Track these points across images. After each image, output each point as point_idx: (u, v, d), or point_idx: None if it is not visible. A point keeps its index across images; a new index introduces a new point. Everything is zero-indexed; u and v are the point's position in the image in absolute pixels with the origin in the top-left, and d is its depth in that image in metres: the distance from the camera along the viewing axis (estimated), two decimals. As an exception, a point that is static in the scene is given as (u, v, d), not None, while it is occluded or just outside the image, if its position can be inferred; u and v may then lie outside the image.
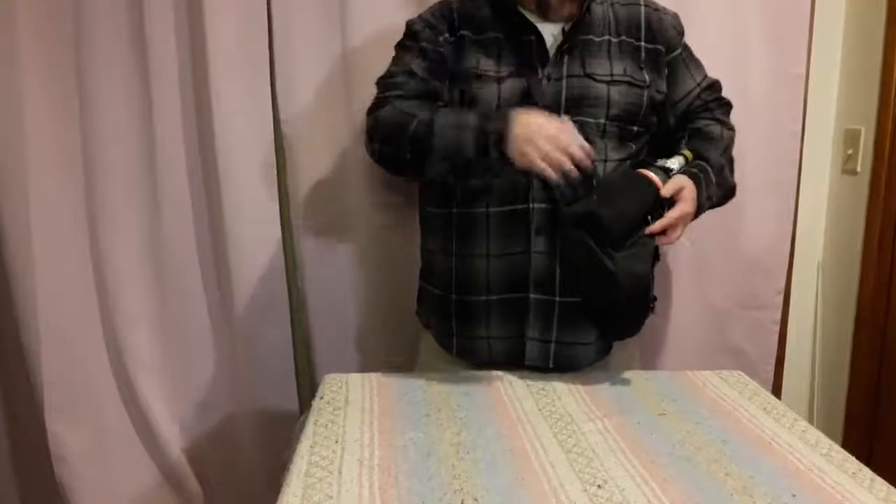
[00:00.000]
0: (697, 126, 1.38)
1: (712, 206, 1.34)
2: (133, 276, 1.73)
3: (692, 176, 1.27)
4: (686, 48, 1.38)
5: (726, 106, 1.43)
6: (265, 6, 1.65)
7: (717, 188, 1.31)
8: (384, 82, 1.32)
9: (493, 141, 1.15)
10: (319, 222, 1.76)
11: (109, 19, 1.62)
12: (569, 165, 1.13)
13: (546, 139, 1.13)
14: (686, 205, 1.23)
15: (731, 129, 1.41)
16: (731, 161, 1.39)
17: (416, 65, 1.29)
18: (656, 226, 1.21)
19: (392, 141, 1.25)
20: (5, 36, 1.55)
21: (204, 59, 1.63)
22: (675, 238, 1.24)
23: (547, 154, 1.13)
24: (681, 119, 1.38)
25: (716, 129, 1.37)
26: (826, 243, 1.98)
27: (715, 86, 1.41)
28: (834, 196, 1.94)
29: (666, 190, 1.23)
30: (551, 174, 1.13)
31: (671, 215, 1.22)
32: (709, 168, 1.30)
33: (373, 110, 1.29)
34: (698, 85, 1.37)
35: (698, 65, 1.40)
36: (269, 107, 1.70)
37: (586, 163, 1.15)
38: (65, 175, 1.66)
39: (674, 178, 1.26)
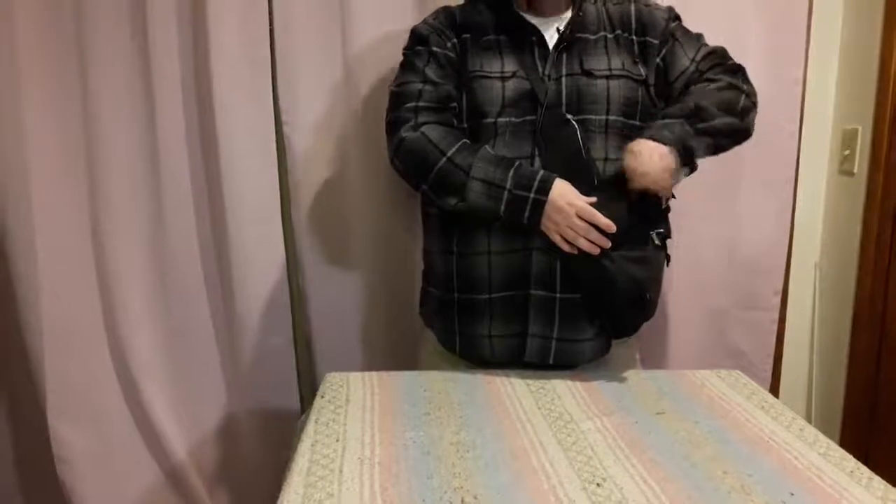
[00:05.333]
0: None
1: (720, 148, 1.29)
2: (136, 277, 1.74)
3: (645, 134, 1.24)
4: (680, 28, 1.37)
5: (731, 69, 1.35)
6: (267, 8, 1.65)
7: (701, 128, 1.24)
8: (401, 90, 1.33)
9: (529, 209, 1.22)
10: (321, 223, 1.77)
11: (111, 20, 1.63)
12: (585, 245, 1.22)
13: (573, 224, 1.21)
14: (630, 157, 1.21)
15: (733, 87, 1.31)
16: (722, 103, 1.28)
17: (431, 70, 1.31)
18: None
19: (416, 170, 1.29)
20: (5, 37, 1.55)
21: (206, 60, 1.64)
22: (640, 184, 1.22)
23: (566, 231, 1.22)
24: (681, 95, 1.33)
25: (702, 84, 1.32)
26: (823, 243, 1.98)
27: (715, 53, 1.36)
28: (831, 196, 1.95)
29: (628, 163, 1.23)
30: (569, 248, 1.23)
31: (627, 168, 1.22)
32: (672, 118, 1.25)
33: (396, 125, 1.30)
34: (693, 60, 1.34)
35: (695, 41, 1.36)
36: (270, 108, 1.71)
37: (605, 243, 1.22)
38: (68, 177, 1.67)
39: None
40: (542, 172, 1.23)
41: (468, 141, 1.28)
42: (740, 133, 1.32)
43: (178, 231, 1.73)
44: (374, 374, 1.33)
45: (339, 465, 0.99)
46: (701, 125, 1.26)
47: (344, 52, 1.68)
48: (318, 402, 1.21)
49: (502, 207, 1.23)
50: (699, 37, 1.39)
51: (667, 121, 1.26)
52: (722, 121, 1.27)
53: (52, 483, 1.73)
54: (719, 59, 1.37)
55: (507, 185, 1.22)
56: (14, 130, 1.58)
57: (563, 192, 1.22)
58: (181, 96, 1.68)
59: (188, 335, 1.79)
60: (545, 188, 1.22)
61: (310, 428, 1.11)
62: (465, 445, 1.05)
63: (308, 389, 1.87)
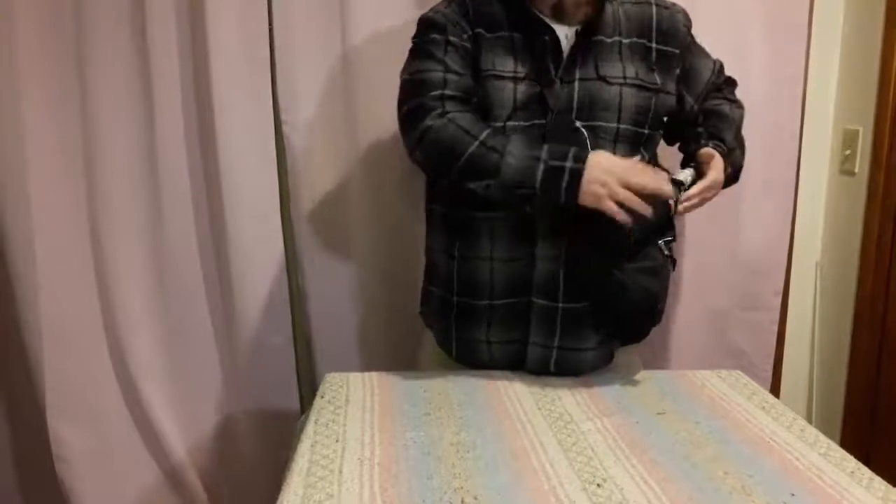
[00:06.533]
0: (709, 107, 1.39)
1: (724, 186, 1.33)
2: (135, 277, 1.74)
3: (719, 149, 1.30)
4: (693, 39, 1.38)
5: (732, 83, 1.46)
6: (266, 7, 1.65)
7: (730, 169, 1.33)
8: (420, 78, 1.25)
9: (567, 179, 1.15)
10: (320, 223, 1.77)
11: (110, 19, 1.62)
12: (639, 204, 1.13)
13: (619, 180, 1.13)
14: (717, 173, 1.26)
15: (741, 106, 1.43)
16: (742, 143, 1.40)
17: (451, 59, 1.24)
18: (694, 190, 1.24)
19: (444, 158, 1.21)
20: (5, 36, 1.55)
21: (205, 60, 1.64)
22: (700, 204, 1.27)
23: (618, 194, 1.13)
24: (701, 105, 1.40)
25: (726, 107, 1.39)
26: (824, 244, 1.98)
27: (721, 66, 1.45)
28: (832, 196, 1.95)
29: (703, 156, 1.27)
30: (624, 217, 1.14)
31: (704, 183, 1.24)
32: (725, 149, 1.32)
33: (418, 113, 1.22)
34: (712, 71, 1.40)
35: (704, 51, 1.41)
36: (270, 108, 1.70)
37: (666, 193, 1.15)
38: (66, 177, 1.66)
39: (704, 149, 1.28)
40: (574, 147, 1.18)
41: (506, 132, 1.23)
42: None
43: (176, 230, 1.73)
44: (373, 374, 1.33)
45: (338, 465, 0.98)
46: (734, 175, 1.37)
47: (343, 50, 1.68)
48: (317, 403, 1.20)
49: (538, 182, 1.15)
50: (704, 48, 1.43)
51: (735, 150, 1.34)
52: (741, 165, 1.39)
53: (51, 482, 1.73)
54: (724, 73, 1.45)
55: (543, 157, 1.16)
56: (13, 130, 1.58)
57: (600, 161, 1.15)
58: (180, 95, 1.68)
59: (187, 334, 1.79)
60: (581, 156, 1.16)
61: (309, 428, 1.10)
62: (466, 446, 1.04)
63: (308, 389, 1.87)
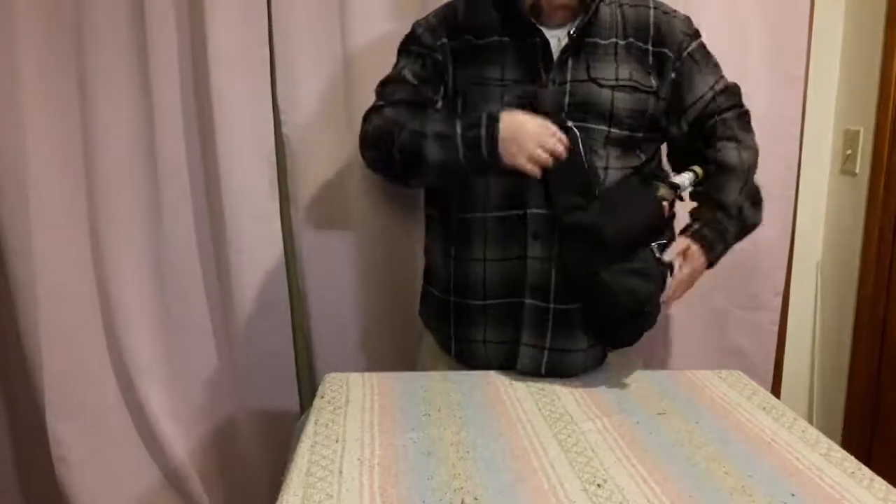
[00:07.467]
0: (714, 155, 1.30)
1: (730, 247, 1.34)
2: (134, 277, 1.74)
3: (701, 238, 1.28)
4: (700, 50, 1.32)
5: (744, 116, 1.34)
6: (266, 7, 1.65)
7: (734, 235, 1.32)
8: (378, 90, 1.34)
9: (485, 144, 1.19)
10: (320, 223, 1.77)
11: (110, 19, 1.62)
12: (548, 161, 1.19)
13: (530, 138, 1.19)
14: (690, 264, 1.26)
15: (750, 146, 1.33)
16: (753, 194, 1.34)
17: (409, 71, 1.31)
18: (669, 292, 1.24)
19: (381, 149, 1.28)
20: (5, 36, 1.55)
21: (205, 59, 1.64)
22: (680, 295, 1.28)
23: (531, 153, 1.19)
24: (694, 125, 1.32)
25: (733, 155, 1.30)
26: (825, 244, 1.98)
27: (731, 90, 1.33)
28: (833, 197, 1.95)
29: (669, 254, 1.24)
30: (535, 172, 1.20)
31: (678, 277, 1.24)
32: (723, 217, 1.30)
33: (365, 119, 1.32)
34: (711, 89, 1.30)
35: (713, 68, 1.33)
36: (269, 108, 1.70)
37: (561, 152, 1.20)
38: (65, 176, 1.66)
39: (678, 239, 1.27)
40: (487, 112, 1.22)
41: (430, 110, 1.28)
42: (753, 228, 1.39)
43: (176, 231, 1.73)
44: (373, 374, 1.33)
45: (338, 465, 0.98)
46: (740, 236, 1.35)
47: (343, 50, 1.68)
48: (317, 403, 1.20)
49: (460, 154, 1.20)
50: (717, 64, 1.34)
51: (725, 230, 1.30)
52: (753, 223, 1.36)
53: (51, 483, 1.73)
54: (736, 101, 1.34)
55: (458, 131, 1.21)
56: (12, 129, 1.58)
57: (512, 116, 1.20)
58: (180, 95, 1.68)
59: (187, 335, 1.79)
60: (493, 117, 1.20)
61: (309, 428, 1.10)
62: (465, 446, 1.04)
63: (307, 390, 1.87)
